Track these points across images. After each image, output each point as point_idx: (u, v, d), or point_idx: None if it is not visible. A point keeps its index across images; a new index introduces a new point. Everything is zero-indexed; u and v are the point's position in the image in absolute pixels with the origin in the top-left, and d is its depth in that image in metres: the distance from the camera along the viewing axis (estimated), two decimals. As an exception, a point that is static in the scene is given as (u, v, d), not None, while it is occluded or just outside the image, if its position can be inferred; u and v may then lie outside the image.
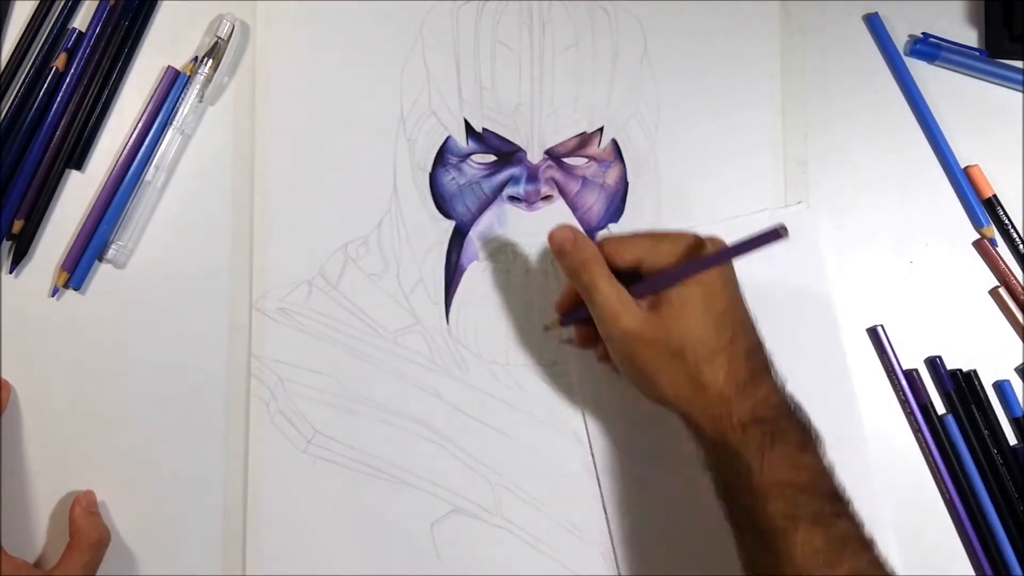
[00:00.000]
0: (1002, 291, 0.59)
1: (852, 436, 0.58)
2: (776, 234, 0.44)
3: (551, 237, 0.50)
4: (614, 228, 0.59)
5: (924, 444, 0.58)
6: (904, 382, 0.58)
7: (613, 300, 0.48)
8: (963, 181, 0.60)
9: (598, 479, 0.57)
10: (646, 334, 0.47)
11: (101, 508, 0.56)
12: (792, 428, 0.47)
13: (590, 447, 0.57)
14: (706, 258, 0.47)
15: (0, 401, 0.55)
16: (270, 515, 0.56)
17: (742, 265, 0.57)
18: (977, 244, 0.60)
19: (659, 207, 0.59)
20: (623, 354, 0.49)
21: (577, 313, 0.52)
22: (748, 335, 0.48)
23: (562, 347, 0.58)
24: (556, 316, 0.54)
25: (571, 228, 0.50)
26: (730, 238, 0.58)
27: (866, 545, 0.46)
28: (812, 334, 0.58)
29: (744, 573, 0.48)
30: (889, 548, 0.45)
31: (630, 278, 0.49)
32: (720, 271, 0.48)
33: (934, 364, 0.59)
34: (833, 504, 0.46)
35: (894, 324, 0.59)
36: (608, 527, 0.57)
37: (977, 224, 0.60)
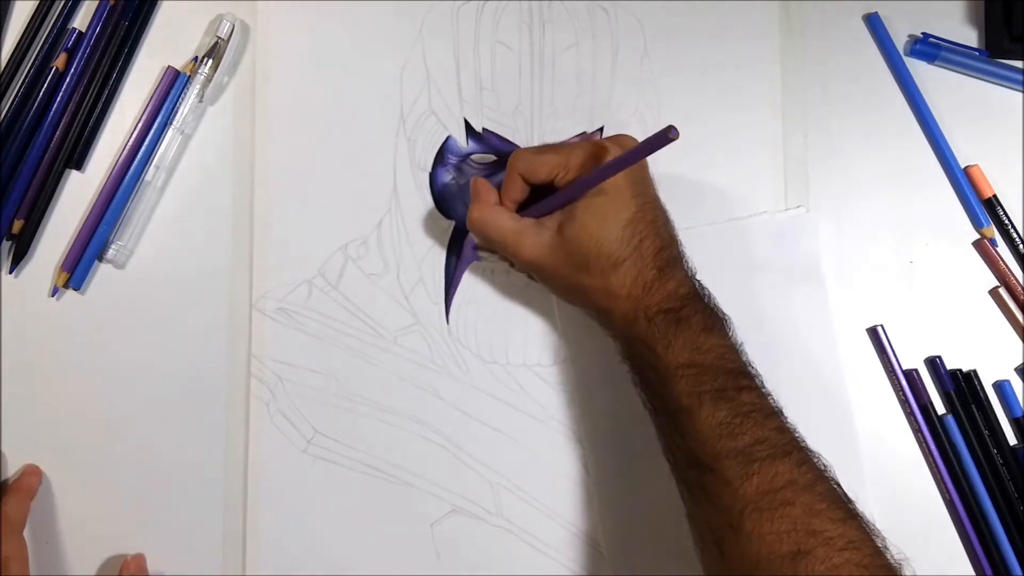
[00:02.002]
0: (1002, 291, 0.59)
1: (845, 442, 0.57)
2: (666, 136, 0.44)
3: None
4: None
5: (924, 444, 0.58)
6: (904, 382, 0.58)
7: (510, 238, 0.51)
8: (963, 181, 0.60)
9: (590, 476, 0.57)
10: (546, 258, 0.50)
11: (102, 507, 0.56)
12: (697, 313, 0.49)
13: (583, 445, 0.57)
14: (595, 173, 0.49)
15: (31, 486, 0.55)
16: (270, 515, 0.56)
17: (737, 262, 0.58)
18: (977, 244, 0.60)
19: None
20: (539, 278, 0.53)
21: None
22: (658, 234, 0.50)
23: (560, 347, 0.58)
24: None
25: (472, 180, 0.54)
26: (728, 240, 0.58)
27: (771, 414, 0.47)
28: (808, 338, 0.58)
29: (664, 455, 0.50)
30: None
31: (548, 189, 0.52)
32: (627, 174, 0.49)
33: (934, 364, 0.59)
34: (737, 380, 0.48)
35: (894, 324, 0.59)
36: (599, 526, 0.57)
37: (977, 224, 0.60)
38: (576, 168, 0.51)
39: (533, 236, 0.51)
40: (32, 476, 0.56)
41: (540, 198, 0.52)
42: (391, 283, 0.58)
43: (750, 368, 0.49)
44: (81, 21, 0.58)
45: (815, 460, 0.46)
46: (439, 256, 0.58)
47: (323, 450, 0.57)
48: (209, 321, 0.57)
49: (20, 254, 0.56)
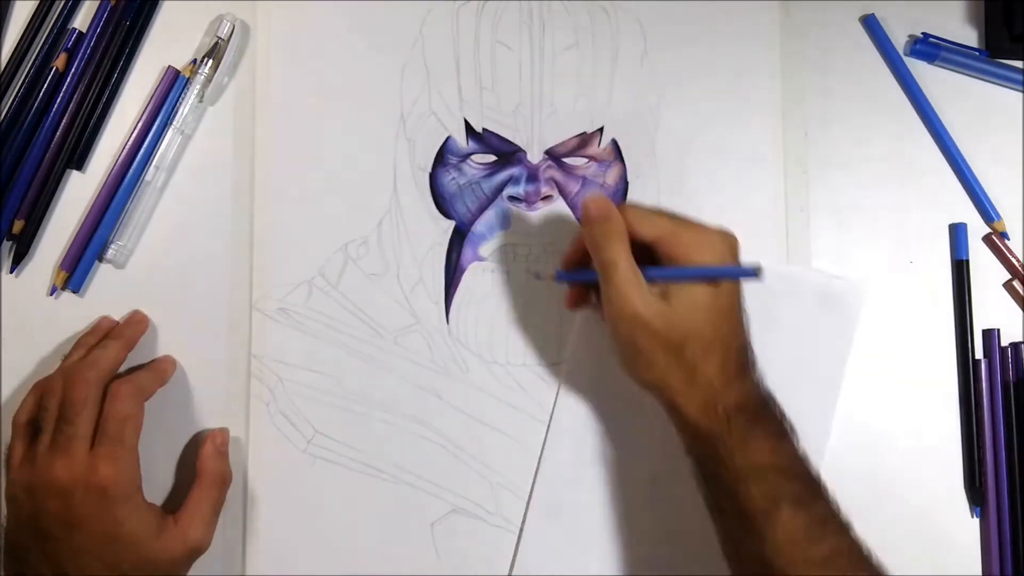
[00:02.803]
0: (1016, 284, 0.59)
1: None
2: (752, 271, 0.47)
3: (585, 204, 0.50)
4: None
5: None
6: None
7: (629, 282, 0.48)
8: (971, 176, 0.60)
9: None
10: (652, 323, 0.48)
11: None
12: (772, 418, 0.49)
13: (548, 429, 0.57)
14: (724, 269, 0.49)
15: (167, 371, 0.56)
16: (270, 515, 0.56)
17: (779, 312, 0.58)
18: (987, 239, 0.60)
19: (659, 207, 0.59)
20: (624, 335, 0.49)
21: (580, 275, 0.54)
22: (741, 332, 0.50)
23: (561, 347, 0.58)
24: (551, 268, 0.55)
25: (605, 199, 0.50)
26: (776, 287, 0.57)
27: (845, 526, 0.47)
28: (814, 391, 0.58)
29: (726, 558, 0.49)
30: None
31: (643, 251, 0.49)
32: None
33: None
34: (811, 486, 0.48)
35: (897, 324, 0.59)
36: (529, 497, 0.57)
37: (988, 219, 0.60)
38: (686, 246, 0.49)
39: (645, 294, 0.48)
40: (168, 362, 0.56)
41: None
42: (391, 283, 0.58)
43: (820, 478, 0.48)
44: (81, 21, 0.58)
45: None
46: (439, 256, 0.58)
47: (323, 450, 0.57)
48: (209, 321, 0.57)
49: (20, 254, 0.56)
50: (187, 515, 0.52)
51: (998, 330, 0.59)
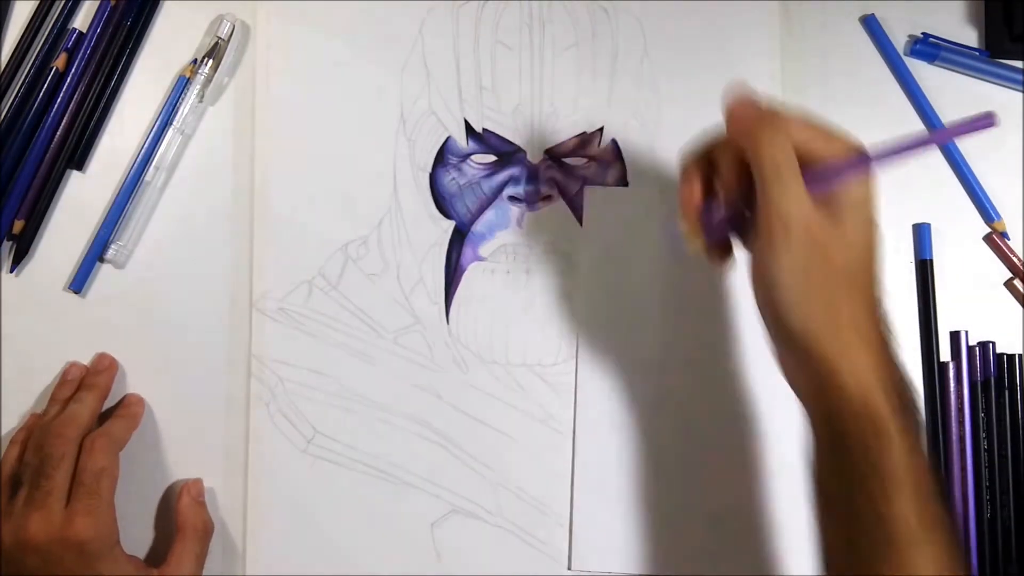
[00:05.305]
0: (1017, 283, 0.59)
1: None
2: (989, 119, 0.35)
3: (730, 109, 0.42)
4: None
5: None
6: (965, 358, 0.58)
7: (785, 156, 0.38)
8: (971, 176, 0.60)
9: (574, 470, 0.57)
10: (810, 224, 0.37)
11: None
12: (917, 411, 0.37)
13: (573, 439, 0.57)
14: (901, 144, 0.39)
15: (137, 415, 0.56)
16: (270, 515, 0.56)
17: None
18: (987, 238, 0.60)
19: (659, 207, 0.59)
20: (796, 262, 0.38)
21: (716, 217, 0.45)
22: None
23: (568, 344, 0.58)
24: (689, 226, 0.45)
25: (748, 94, 0.41)
26: None
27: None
28: None
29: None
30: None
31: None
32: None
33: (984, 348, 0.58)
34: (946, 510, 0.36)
35: (904, 322, 0.59)
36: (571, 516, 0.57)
37: (988, 219, 0.60)
38: (840, 148, 0.40)
39: (803, 187, 0.38)
40: (138, 405, 0.56)
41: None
42: (391, 283, 0.58)
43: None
44: (82, 21, 0.58)
45: None
46: (439, 256, 0.58)
47: (323, 450, 0.57)
48: (209, 321, 0.57)
49: (20, 254, 0.56)
50: (171, 569, 0.52)
51: (966, 331, 0.59)
